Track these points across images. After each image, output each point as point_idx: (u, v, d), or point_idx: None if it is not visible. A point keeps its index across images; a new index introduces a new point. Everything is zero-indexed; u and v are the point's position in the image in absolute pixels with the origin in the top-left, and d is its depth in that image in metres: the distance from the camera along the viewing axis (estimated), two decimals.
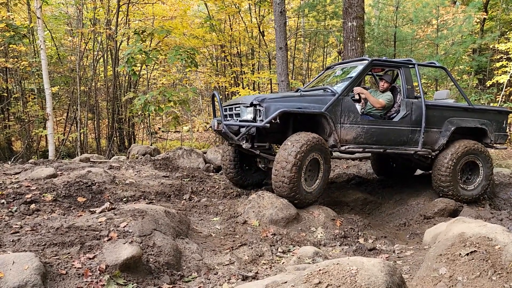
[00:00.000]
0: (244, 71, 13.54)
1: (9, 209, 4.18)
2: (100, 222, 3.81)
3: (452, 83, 14.03)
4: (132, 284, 3.17)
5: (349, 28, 8.76)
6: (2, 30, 9.07)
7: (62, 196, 4.73)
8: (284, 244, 4.64)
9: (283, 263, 4.18)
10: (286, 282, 2.65)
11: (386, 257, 4.32)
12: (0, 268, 2.67)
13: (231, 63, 13.99)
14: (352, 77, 5.77)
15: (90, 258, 3.20)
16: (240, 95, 11.54)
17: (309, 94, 5.53)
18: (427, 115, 5.90)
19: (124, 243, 3.43)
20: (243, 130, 5.29)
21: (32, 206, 4.35)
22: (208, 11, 13.70)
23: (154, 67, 14.10)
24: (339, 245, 4.84)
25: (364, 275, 2.33)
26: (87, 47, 13.39)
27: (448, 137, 6.05)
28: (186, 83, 15.86)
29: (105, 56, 13.57)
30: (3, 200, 4.39)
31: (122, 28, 12.57)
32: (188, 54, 9.25)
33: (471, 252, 2.95)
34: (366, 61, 5.91)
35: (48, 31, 13.23)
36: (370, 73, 6.83)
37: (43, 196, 4.60)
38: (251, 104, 5.23)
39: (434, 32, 12.24)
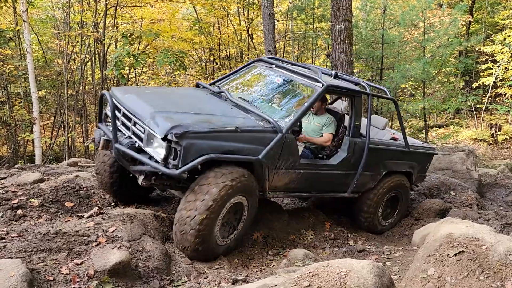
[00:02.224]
0: None
1: None
2: (88, 227, 3.77)
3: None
4: None
5: (337, 31, 8.82)
6: None
7: (49, 201, 4.66)
8: (275, 246, 4.64)
9: (273, 266, 4.18)
10: (276, 285, 2.65)
11: (376, 259, 4.35)
12: None
13: (220, 66, 14.00)
14: (300, 108, 4.49)
15: (78, 264, 3.17)
16: None
17: (248, 129, 4.02)
18: (367, 158, 5.00)
19: (112, 248, 3.40)
20: (144, 166, 3.78)
21: (19, 211, 4.28)
22: (196, 14, 13.70)
23: (143, 70, 14.04)
24: (329, 247, 4.86)
25: (353, 277, 2.34)
26: (74, 50, 13.27)
27: (377, 181, 5.34)
28: (175, 86, 15.81)
29: (93, 59, 13.47)
30: None
31: (110, 31, 12.49)
32: (177, 57, 9.22)
33: (459, 253, 2.99)
34: (320, 86, 4.57)
35: (34, 34, 13.09)
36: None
37: (30, 202, 4.53)
38: (165, 138, 3.57)
39: (421, 34, 12.40)
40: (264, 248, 4.54)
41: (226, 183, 3.70)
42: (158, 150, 3.69)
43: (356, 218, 5.61)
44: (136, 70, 12.32)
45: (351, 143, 4.90)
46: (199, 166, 3.75)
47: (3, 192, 4.69)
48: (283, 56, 15.27)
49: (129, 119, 4.01)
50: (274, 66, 5.24)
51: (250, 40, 13.61)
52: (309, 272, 2.46)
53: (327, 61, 14.29)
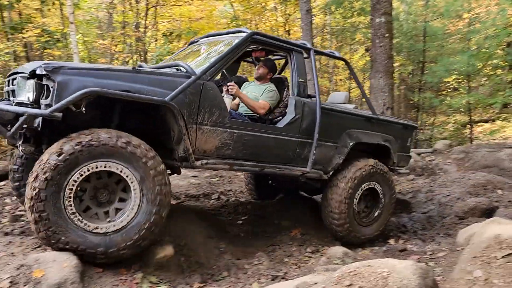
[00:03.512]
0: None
1: None
2: None
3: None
4: (165, 282, 3.25)
5: (377, 25, 8.64)
6: (38, 35, 9.44)
7: None
8: (313, 244, 4.64)
9: (312, 263, 4.18)
10: (316, 283, 2.66)
11: (418, 259, 4.26)
12: (42, 266, 2.79)
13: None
14: (221, 54, 3.85)
15: None
16: None
17: (150, 71, 3.51)
18: (322, 123, 4.23)
19: (157, 243, 3.51)
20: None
21: None
22: (233, 11, 13.79)
23: None
24: (369, 246, 4.80)
25: (396, 278, 2.32)
26: (116, 49, 13.72)
27: (345, 154, 4.53)
28: None
29: (134, 58, 13.88)
30: None
31: (150, 30, 12.81)
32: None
33: (508, 255, 2.88)
34: (244, 34, 4.02)
35: (80, 35, 13.64)
36: (250, 59, 5.12)
37: None
38: (33, 75, 3.01)
39: (466, 26, 11.93)
40: (302, 245, 4.55)
41: (69, 151, 2.92)
42: (28, 94, 3.05)
43: (326, 217, 4.64)
44: None
45: (298, 103, 4.16)
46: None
47: None
48: None
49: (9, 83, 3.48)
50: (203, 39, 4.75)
51: (287, 35, 13.56)
52: (350, 271, 2.45)
53: (365, 56, 14.03)
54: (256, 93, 4.43)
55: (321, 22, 14.97)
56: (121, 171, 3.04)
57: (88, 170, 2.94)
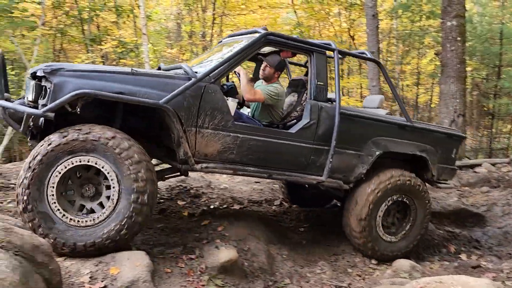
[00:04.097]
0: (332, 77, 13.39)
1: None
2: (199, 225, 4.06)
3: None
4: (229, 286, 3.33)
5: (448, 28, 8.22)
6: (114, 46, 10.12)
7: (164, 198, 5.12)
8: None
9: (377, 275, 4.07)
10: None
11: (494, 277, 3.98)
12: (117, 263, 2.98)
13: None
14: (226, 56, 3.72)
15: (191, 259, 3.43)
16: None
17: (148, 73, 3.52)
18: (342, 129, 3.97)
19: (221, 246, 3.61)
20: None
21: None
22: (297, 18, 13.81)
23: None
24: (438, 260, 4.58)
25: None
26: (184, 57, 14.30)
27: (370, 164, 4.20)
28: None
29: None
30: None
31: (216, 38, 13.21)
32: None
33: None
34: (257, 34, 3.84)
35: (150, 45, 14.39)
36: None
37: None
38: (34, 76, 3.24)
39: None
40: (366, 256, 4.44)
41: (45, 151, 3.04)
42: (30, 94, 3.23)
43: (345, 230, 4.41)
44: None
45: (314, 107, 3.92)
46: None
47: None
48: (386, 57, 14.69)
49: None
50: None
51: (351, 41, 13.33)
52: (420, 287, 2.36)
53: (435, 60, 13.40)
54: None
55: (387, 26, 14.54)
56: (95, 163, 3.10)
57: (65, 167, 3.04)
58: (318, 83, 3.97)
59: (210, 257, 3.46)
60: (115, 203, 3.12)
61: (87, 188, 3.21)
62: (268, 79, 4.20)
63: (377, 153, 4.21)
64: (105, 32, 11.82)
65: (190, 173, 6.26)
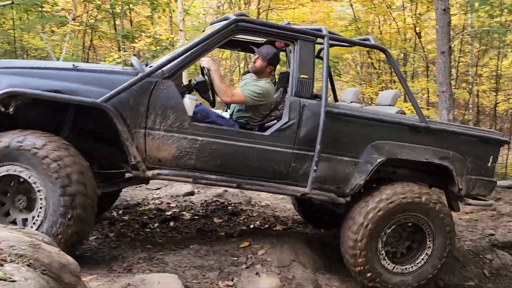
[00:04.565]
0: (394, 80, 13.15)
1: (150, 225, 4.75)
2: (237, 247, 4.09)
3: None
4: None
5: None
6: (148, 44, 10.47)
7: (199, 215, 5.20)
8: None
9: None
10: None
11: None
12: (148, 286, 3.05)
13: (379, 71, 13.73)
14: (188, 45, 3.64)
15: (229, 286, 3.45)
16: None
17: (91, 69, 3.57)
18: (330, 130, 3.73)
19: (262, 273, 3.61)
20: None
21: (171, 223, 4.87)
22: (353, 12, 13.72)
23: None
24: None
25: None
26: (223, 56, 14.57)
27: (369, 173, 3.88)
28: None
29: (242, 63, 14.55)
30: (145, 216, 5.02)
31: None
32: (330, 63, 9.39)
33: None
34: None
35: (187, 41, 14.76)
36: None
37: (182, 215, 5.12)
38: None
39: None
40: None
41: None
42: None
43: (343, 255, 4.07)
44: None
45: (294, 105, 3.72)
46: None
47: (159, 202, 5.39)
48: (458, 58, 14.23)
49: None
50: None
51: (417, 39, 13.06)
52: None
53: None
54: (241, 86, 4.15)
55: (460, 22, 14.12)
56: (14, 171, 3.19)
57: None
58: (301, 76, 3.77)
59: (249, 285, 3.47)
60: (42, 217, 3.21)
61: (19, 200, 3.30)
62: (258, 73, 4.10)
63: (379, 160, 3.88)
64: (139, 28, 12.25)
65: (229, 188, 6.37)
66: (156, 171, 3.54)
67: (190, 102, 3.61)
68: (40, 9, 10.14)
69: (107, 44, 14.10)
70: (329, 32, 3.95)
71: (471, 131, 4.33)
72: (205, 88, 3.90)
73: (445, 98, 8.22)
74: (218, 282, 3.48)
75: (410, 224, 4.00)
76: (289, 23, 4.04)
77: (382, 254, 3.94)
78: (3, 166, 3.18)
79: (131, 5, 11.57)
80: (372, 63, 13.71)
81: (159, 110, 3.47)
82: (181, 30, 9.69)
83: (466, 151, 4.13)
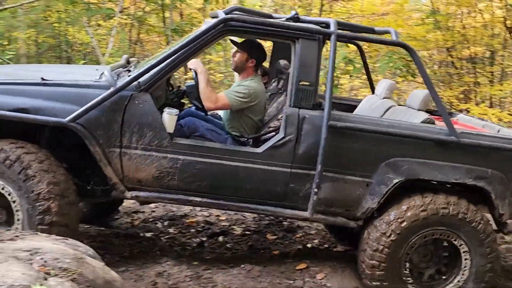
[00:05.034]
0: (478, 82, 12.70)
1: (199, 239, 4.88)
2: (294, 269, 4.12)
3: None
4: None
5: None
6: None
7: (251, 230, 5.27)
8: None
9: None
10: None
11: None
12: None
13: (460, 71, 13.29)
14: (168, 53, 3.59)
15: None
16: (470, 113, 10.89)
17: (61, 83, 3.60)
18: (336, 146, 3.63)
19: None
20: None
21: (220, 238, 4.98)
22: (431, 3, 13.38)
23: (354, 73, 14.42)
24: None
25: None
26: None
27: (384, 196, 3.73)
28: (395, 96, 15.72)
29: None
30: (192, 229, 5.16)
31: None
32: (404, 61, 9.21)
33: None
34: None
35: None
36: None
37: (232, 229, 5.21)
38: None
39: None
40: None
41: None
42: None
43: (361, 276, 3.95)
44: (351, 77, 12.77)
45: (292, 117, 3.62)
46: None
47: (207, 214, 5.52)
48: None
49: None
50: None
51: (508, 34, 12.54)
52: None
53: None
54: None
55: None
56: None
57: None
58: (302, 83, 3.64)
59: None
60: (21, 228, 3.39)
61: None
62: (240, 70, 4.06)
63: (395, 180, 3.71)
64: (189, 21, 12.51)
65: None
66: (135, 193, 3.64)
67: (169, 117, 3.57)
68: (86, 0, 10.61)
69: (155, 38, 14.50)
70: (340, 26, 3.82)
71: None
72: (195, 94, 3.88)
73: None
74: None
75: (439, 238, 3.81)
76: (296, 14, 3.92)
77: (405, 271, 3.78)
78: None
79: None
80: (453, 62, 13.29)
81: (134, 128, 3.53)
82: None
83: (508, 169, 3.83)
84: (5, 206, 3.50)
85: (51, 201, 3.38)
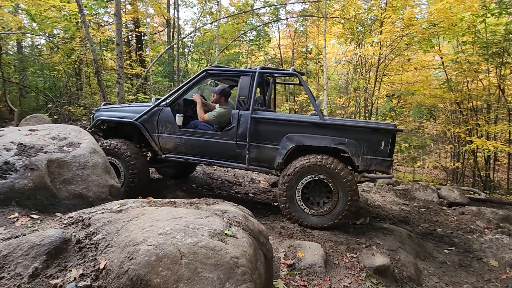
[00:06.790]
0: (479, 124, 10.84)
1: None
2: (361, 232, 3.77)
3: None
4: (382, 285, 2.95)
5: None
6: (306, 98, 10.61)
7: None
8: None
9: None
10: None
11: None
12: (302, 249, 3.00)
13: (467, 117, 11.46)
14: (179, 87, 4.11)
15: (353, 257, 3.19)
16: (472, 144, 9.30)
17: (136, 104, 4.44)
18: (256, 128, 3.77)
19: (377, 253, 3.25)
20: None
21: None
22: (446, 75, 11.78)
23: (396, 118, 13.18)
24: None
25: None
26: (350, 105, 13.88)
27: (285, 155, 3.68)
28: (421, 131, 14.06)
29: (362, 111, 13.72)
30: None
31: (377, 92, 12.40)
32: (429, 110, 8.20)
33: None
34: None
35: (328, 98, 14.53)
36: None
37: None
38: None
39: None
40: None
41: None
42: None
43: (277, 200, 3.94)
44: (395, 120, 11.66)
45: (235, 114, 3.86)
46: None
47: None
48: None
49: None
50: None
51: (501, 94, 10.55)
52: None
53: None
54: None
55: None
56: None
57: None
58: (241, 97, 3.85)
59: (367, 259, 3.15)
60: (122, 181, 4.01)
61: None
62: (218, 103, 4.19)
63: (291, 146, 3.70)
64: (298, 88, 12.45)
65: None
66: (167, 155, 4.11)
67: (178, 117, 4.05)
68: None
69: (279, 97, 14.68)
70: (262, 68, 3.97)
71: (362, 124, 3.70)
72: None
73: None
74: (346, 253, 3.24)
75: (320, 180, 3.62)
76: (250, 68, 4.05)
77: (299, 199, 3.69)
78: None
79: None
80: (461, 111, 11.52)
81: (162, 123, 4.08)
82: (325, 90, 9.56)
83: (361, 138, 3.58)
84: (119, 172, 4.01)
85: (136, 170, 3.98)
